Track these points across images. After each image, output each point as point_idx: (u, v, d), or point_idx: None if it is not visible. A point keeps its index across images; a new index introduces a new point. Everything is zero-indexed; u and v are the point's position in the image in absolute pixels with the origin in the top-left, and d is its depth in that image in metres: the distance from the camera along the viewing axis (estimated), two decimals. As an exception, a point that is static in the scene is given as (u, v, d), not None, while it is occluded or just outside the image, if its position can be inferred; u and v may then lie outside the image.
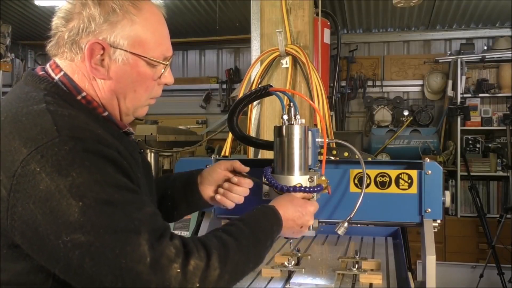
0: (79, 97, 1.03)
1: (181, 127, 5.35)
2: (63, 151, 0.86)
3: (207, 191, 1.35)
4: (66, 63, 1.04)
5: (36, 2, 4.46)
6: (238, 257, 0.99)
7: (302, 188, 1.23)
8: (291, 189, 1.23)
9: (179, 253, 0.89)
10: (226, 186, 1.32)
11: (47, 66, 1.07)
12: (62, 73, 1.04)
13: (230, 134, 2.16)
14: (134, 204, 0.90)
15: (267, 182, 1.27)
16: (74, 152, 0.87)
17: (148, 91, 1.10)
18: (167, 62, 1.10)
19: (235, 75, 6.13)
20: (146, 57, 1.05)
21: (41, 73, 1.05)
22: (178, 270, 0.88)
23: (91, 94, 1.05)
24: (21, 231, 0.86)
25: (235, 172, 1.34)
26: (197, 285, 0.89)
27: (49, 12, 5.08)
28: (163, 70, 1.10)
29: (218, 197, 1.32)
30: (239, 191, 1.32)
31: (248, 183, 1.32)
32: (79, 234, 0.83)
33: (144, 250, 0.85)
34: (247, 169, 1.33)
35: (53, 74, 1.04)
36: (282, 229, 1.16)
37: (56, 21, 1.04)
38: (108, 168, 0.90)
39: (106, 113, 1.06)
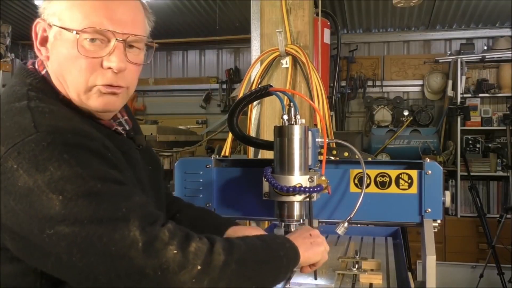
0: (61, 96, 1.01)
1: (181, 127, 5.35)
2: (40, 147, 0.84)
3: None
4: None
5: (36, 2, 4.46)
6: (245, 251, 0.94)
7: (302, 188, 1.23)
8: (291, 189, 1.23)
9: (174, 236, 0.86)
10: None
11: (36, 60, 1.06)
12: (45, 69, 1.03)
13: (230, 134, 2.16)
14: (121, 194, 0.88)
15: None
16: (52, 147, 0.85)
17: (84, 73, 0.99)
18: (95, 37, 0.98)
19: (235, 75, 6.13)
20: (68, 29, 0.98)
21: (30, 66, 1.04)
22: (175, 251, 0.84)
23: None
24: (7, 229, 0.85)
25: None
26: (199, 267, 0.84)
27: (49, 12, 5.07)
28: (107, 51, 0.99)
29: None
30: None
31: None
32: (63, 226, 0.81)
33: (135, 235, 0.82)
34: None
35: (39, 69, 1.04)
36: (295, 245, 1.09)
37: None
38: (91, 160, 0.88)
39: None
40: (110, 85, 1.01)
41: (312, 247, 1.15)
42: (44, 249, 0.83)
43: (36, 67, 1.04)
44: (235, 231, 1.26)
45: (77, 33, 0.96)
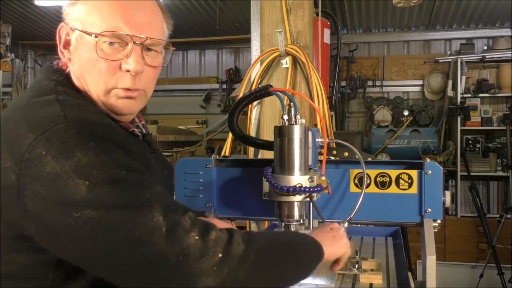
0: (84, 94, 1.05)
1: (181, 127, 5.36)
2: (69, 134, 0.87)
3: None
4: None
5: (36, 2, 4.46)
6: (265, 242, 0.94)
7: (302, 188, 1.23)
8: (291, 189, 1.23)
9: (195, 224, 0.87)
10: None
11: (60, 61, 1.10)
12: (69, 69, 1.07)
13: (230, 134, 2.16)
14: (143, 182, 0.90)
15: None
16: (80, 135, 0.87)
17: (104, 75, 1.02)
18: (113, 41, 1.02)
19: (235, 75, 6.13)
20: (88, 33, 1.01)
21: (56, 66, 1.08)
22: (197, 237, 0.85)
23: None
24: (32, 216, 0.86)
25: None
26: (220, 255, 0.85)
27: (49, 12, 5.08)
28: (123, 54, 1.02)
29: None
30: None
31: None
32: (89, 210, 0.82)
33: (158, 221, 0.84)
34: None
35: (63, 68, 1.07)
36: (317, 240, 1.08)
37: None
38: (115, 151, 0.90)
39: None
40: (128, 89, 1.04)
41: (335, 240, 1.14)
42: (69, 234, 0.84)
43: (61, 66, 1.08)
44: None
45: (96, 37, 1.00)
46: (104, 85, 1.02)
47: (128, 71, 1.02)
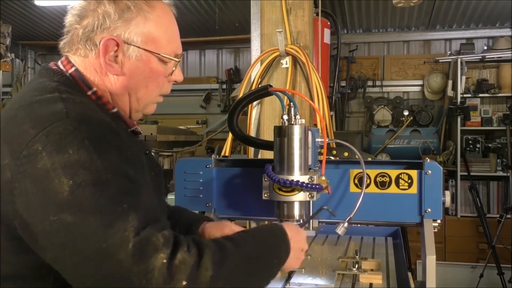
0: (89, 93, 1.05)
1: (181, 127, 5.35)
2: (67, 131, 0.87)
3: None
4: (79, 59, 1.07)
5: (36, 2, 4.46)
6: (237, 264, 0.90)
7: (303, 184, 1.23)
8: (293, 183, 1.23)
9: (168, 244, 0.83)
10: None
11: (59, 62, 1.09)
12: (73, 68, 1.06)
13: (230, 134, 2.16)
14: (128, 190, 0.88)
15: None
16: (77, 132, 0.88)
17: (159, 88, 1.13)
18: (178, 59, 1.13)
19: (235, 75, 6.12)
20: (158, 54, 1.08)
21: (54, 67, 1.08)
22: (164, 261, 0.81)
23: (102, 90, 1.07)
24: (19, 215, 0.86)
25: None
26: (184, 283, 0.81)
27: (49, 12, 5.08)
28: (174, 67, 1.13)
29: None
30: None
31: None
32: (67, 214, 0.82)
33: (128, 236, 0.81)
34: None
35: (64, 69, 1.07)
36: (290, 251, 1.09)
37: (70, 19, 1.07)
38: (109, 153, 0.90)
39: (115, 110, 1.08)
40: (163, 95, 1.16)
41: (297, 261, 1.15)
42: (46, 238, 0.84)
43: (62, 67, 1.07)
44: (212, 228, 1.28)
45: (161, 56, 1.08)
46: (155, 96, 1.13)
47: (175, 82, 1.15)
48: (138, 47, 1.05)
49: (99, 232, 0.81)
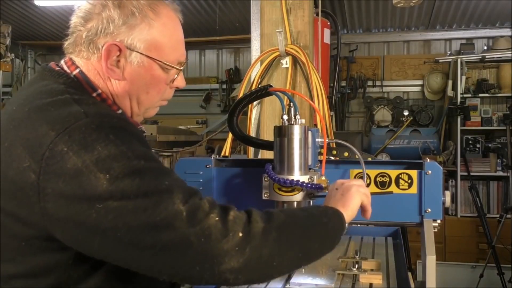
0: (94, 94, 1.06)
1: (181, 127, 5.35)
2: (90, 129, 0.89)
3: None
4: (82, 61, 1.07)
5: (36, 2, 4.46)
6: (284, 219, 0.96)
7: (304, 184, 1.23)
8: (294, 182, 1.23)
9: (214, 206, 0.90)
10: None
11: (62, 62, 1.09)
12: (77, 70, 1.06)
13: (230, 134, 2.16)
14: (162, 170, 0.92)
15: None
16: (100, 129, 0.89)
17: (160, 94, 1.14)
18: (181, 68, 1.13)
19: (235, 75, 6.12)
20: (161, 61, 1.08)
21: (56, 68, 1.07)
22: (217, 219, 0.87)
23: (105, 93, 1.07)
24: (54, 212, 0.86)
25: None
26: (240, 234, 0.87)
27: (49, 12, 5.08)
28: (176, 75, 1.13)
29: None
30: None
31: None
32: (111, 201, 0.84)
33: (178, 207, 0.86)
34: None
35: (68, 71, 1.06)
36: (336, 208, 1.12)
37: (75, 20, 1.07)
38: (133, 142, 0.93)
39: (120, 111, 1.09)
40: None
41: (346, 197, 1.17)
42: (91, 227, 0.85)
43: (66, 68, 1.07)
44: None
45: (163, 64, 1.08)
46: (156, 101, 1.15)
47: (177, 88, 1.17)
48: (141, 53, 1.05)
49: (149, 210, 0.84)
